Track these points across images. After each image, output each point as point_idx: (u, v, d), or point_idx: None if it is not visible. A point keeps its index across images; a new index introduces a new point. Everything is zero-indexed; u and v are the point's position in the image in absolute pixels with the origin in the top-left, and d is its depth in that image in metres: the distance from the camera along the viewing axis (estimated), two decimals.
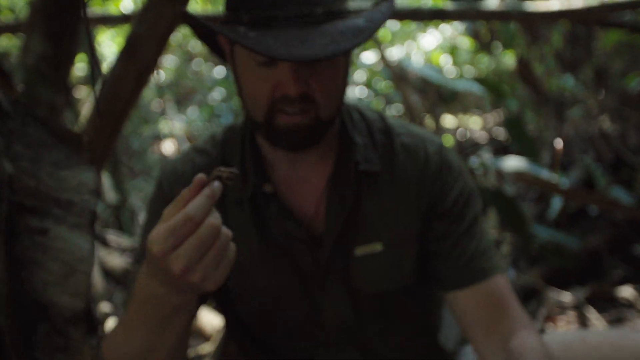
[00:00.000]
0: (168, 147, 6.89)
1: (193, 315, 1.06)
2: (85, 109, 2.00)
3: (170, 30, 1.96)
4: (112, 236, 2.75)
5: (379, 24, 1.08)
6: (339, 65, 1.13)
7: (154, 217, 1.20)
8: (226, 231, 0.88)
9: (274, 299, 1.25)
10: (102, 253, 2.64)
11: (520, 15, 2.43)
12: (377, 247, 1.23)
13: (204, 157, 1.28)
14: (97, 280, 2.43)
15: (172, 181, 1.27)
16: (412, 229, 1.25)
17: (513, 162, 2.14)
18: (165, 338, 1.00)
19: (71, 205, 0.49)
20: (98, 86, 2.03)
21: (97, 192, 0.52)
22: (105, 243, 2.71)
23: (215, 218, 0.86)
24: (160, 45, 1.98)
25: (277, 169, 1.24)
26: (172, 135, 6.53)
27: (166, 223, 0.85)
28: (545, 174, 2.08)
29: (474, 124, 7.25)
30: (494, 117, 6.97)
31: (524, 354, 1.12)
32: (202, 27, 1.18)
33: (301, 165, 1.23)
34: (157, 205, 1.25)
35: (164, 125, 6.64)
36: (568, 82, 3.83)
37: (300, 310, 1.26)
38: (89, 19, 1.79)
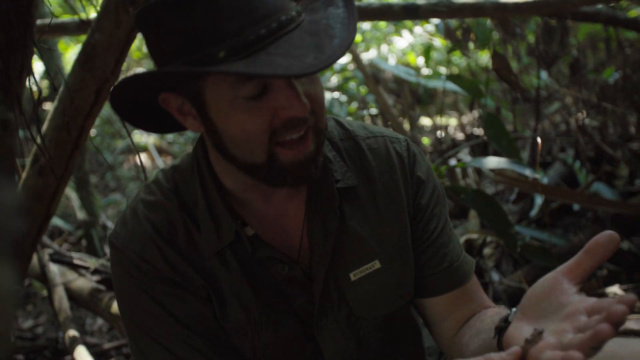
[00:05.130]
0: (142, 160, 6.74)
1: None
2: (45, 124, 1.89)
3: (130, 38, 1.87)
4: (78, 258, 2.62)
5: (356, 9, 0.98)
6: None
7: (147, 300, 1.07)
8: None
9: (279, 351, 1.14)
10: (69, 277, 2.51)
11: (493, 8, 2.37)
12: (375, 265, 1.15)
13: (160, 212, 1.10)
14: (64, 305, 2.31)
15: (139, 249, 1.08)
16: (404, 235, 1.18)
17: (494, 161, 2.07)
18: None
19: None
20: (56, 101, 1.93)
21: (19, 211, 0.41)
22: (71, 265, 2.58)
23: None
24: (120, 55, 1.88)
25: (251, 208, 1.12)
26: (145, 149, 6.42)
27: None
28: (528, 172, 2.01)
29: (450, 125, 7.23)
30: (469, 117, 6.96)
31: (480, 316, 1.14)
32: (158, 80, 0.98)
33: (275, 199, 1.12)
34: (142, 285, 1.07)
35: (136, 139, 6.51)
36: (542, 77, 3.79)
37: (304, 355, 1.16)
38: (40, 29, 1.69)
